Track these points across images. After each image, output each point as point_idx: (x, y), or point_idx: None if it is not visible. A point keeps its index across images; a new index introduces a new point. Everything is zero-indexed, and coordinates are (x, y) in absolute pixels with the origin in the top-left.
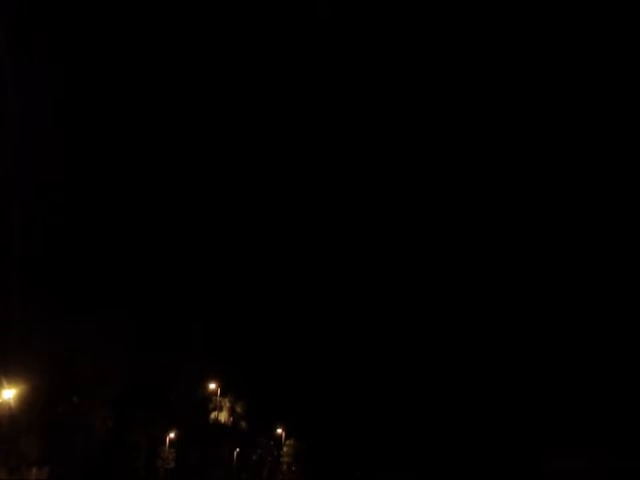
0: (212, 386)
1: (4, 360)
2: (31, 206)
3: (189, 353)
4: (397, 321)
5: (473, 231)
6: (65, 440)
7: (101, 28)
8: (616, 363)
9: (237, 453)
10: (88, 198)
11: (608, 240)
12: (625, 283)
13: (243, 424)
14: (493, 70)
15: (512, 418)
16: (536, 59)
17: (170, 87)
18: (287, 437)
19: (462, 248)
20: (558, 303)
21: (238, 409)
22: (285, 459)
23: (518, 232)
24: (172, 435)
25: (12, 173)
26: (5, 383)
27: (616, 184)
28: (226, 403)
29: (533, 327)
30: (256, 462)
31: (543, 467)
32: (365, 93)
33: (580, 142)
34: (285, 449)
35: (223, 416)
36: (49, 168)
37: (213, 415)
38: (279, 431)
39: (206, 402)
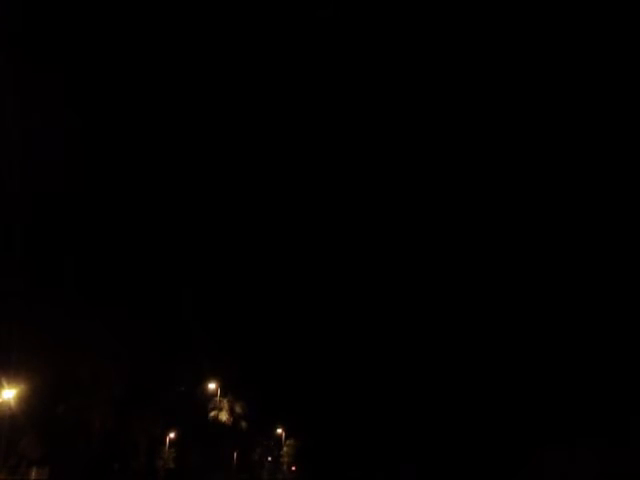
0: (212, 386)
1: (4, 360)
2: (32, 205)
3: (189, 353)
4: (396, 321)
5: (473, 231)
6: (65, 440)
7: (101, 29)
8: (615, 362)
9: (237, 453)
10: (89, 199)
11: (607, 240)
12: (623, 281)
13: (243, 424)
14: (493, 70)
15: (511, 416)
16: (536, 59)
17: (170, 86)
18: (287, 437)
19: (461, 248)
20: (555, 301)
21: (238, 409)
22: (285, 459)
23: (518, 232)
24: (172, 435)
25: (12, 171)
26: (5, 383)
27: (616, 184)
28: (226, 403)
29: (533, 325)
30: (256, 462)
31: (542, 465)
32: (365, 92)
33: (580, 142)
34: (285, 449)
35: (223, 416)
36: (49, 164)
37: (213, 415)
38: (279, 431)
39: (206, 402)
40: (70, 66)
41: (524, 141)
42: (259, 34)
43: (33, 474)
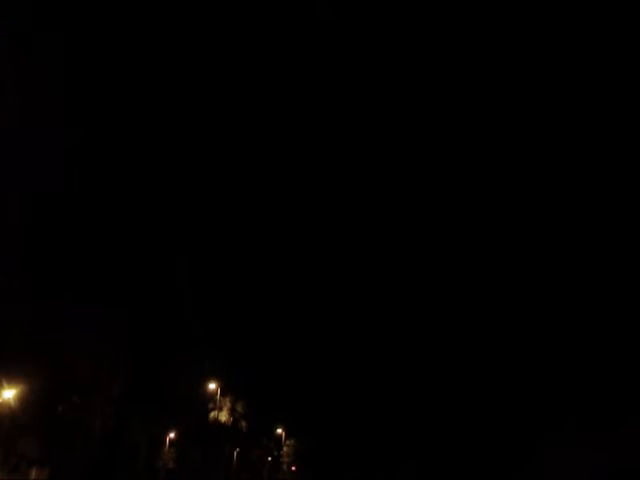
0: (212, 386)
1: (4, 360)
2: (31, 205)
3: (189, 353)
4: (395, 320)
5: (472, 231)
6: (65, 440)
7: (101, 28)
8: (615, 361)
9: (237, 453)
10: (88, 198)
11: (607, 237)
12: (624, 277)
13: (243, 424)
14: (493, 70)
15: (512, 416)
16: (536, 59)
17: (170, 86)
18: (287, 437)
19: (461, 248)
20: (556, 298)
21: (238, 409)
22: (285, 459)
23: (517, 232)
24: (172, 435)
25: (11, 171)
26: (5, 383)
27: (616, 184)
28: (226, 403)
29: (533, 325)
30: (256, 462)
31: (542, 465)
32: (365, 93)
33: (580, 142)
34: (285, 449)
35: (223, 416)
36: (49, 165)
37: (213, 415)
38: (279, 431)
39: (206, 402)
40: (70, 66)
41: (524, 141)
42: (260, 35)
43: (33, 474)
